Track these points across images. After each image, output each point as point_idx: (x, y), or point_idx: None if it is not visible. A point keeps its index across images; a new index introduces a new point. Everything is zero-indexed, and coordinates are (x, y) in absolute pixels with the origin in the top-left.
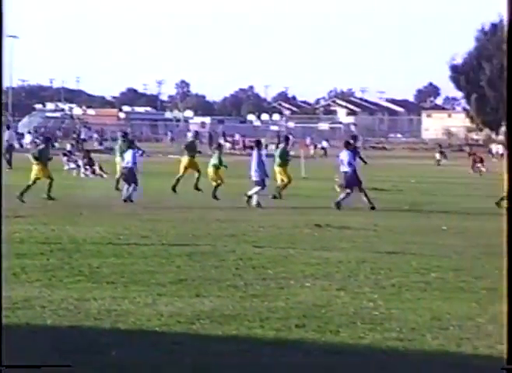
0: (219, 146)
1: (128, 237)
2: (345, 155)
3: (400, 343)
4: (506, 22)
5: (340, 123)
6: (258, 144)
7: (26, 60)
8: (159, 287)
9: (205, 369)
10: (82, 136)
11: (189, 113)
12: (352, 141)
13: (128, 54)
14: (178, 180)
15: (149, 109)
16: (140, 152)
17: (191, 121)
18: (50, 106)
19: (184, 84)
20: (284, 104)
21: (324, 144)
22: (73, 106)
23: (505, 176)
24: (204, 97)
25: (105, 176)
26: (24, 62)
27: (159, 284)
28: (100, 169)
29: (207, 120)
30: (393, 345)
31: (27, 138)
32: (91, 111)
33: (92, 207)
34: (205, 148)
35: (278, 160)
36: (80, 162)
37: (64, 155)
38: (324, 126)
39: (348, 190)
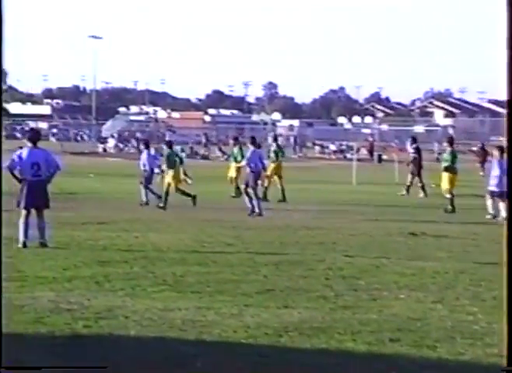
0: (236, 139)
1: (213, 245)
2: None
3: (502, 359)
4: (507, 22)
5: (437, 125)
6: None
7: (110, 61)
8: (246, 297)
9: None
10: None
11: (277, 116)
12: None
13: (213, 55)
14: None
15: (235, 111)
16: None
17: (278, 124)
18: (134, 109)
19: (271, 85)
20: (377, 106)
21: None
22: (158, 109)
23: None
24: (292, 99)
25: (190, 181)
26: (108, 64)
27: (246, 294)
28: (185, 174)
29: (295, 122)
30: (495, 361)
31: (111, 142)
32: (176, 114)
33: (175, 214)
34: (289, 152)
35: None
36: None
37: None
38: (419, 129)
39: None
